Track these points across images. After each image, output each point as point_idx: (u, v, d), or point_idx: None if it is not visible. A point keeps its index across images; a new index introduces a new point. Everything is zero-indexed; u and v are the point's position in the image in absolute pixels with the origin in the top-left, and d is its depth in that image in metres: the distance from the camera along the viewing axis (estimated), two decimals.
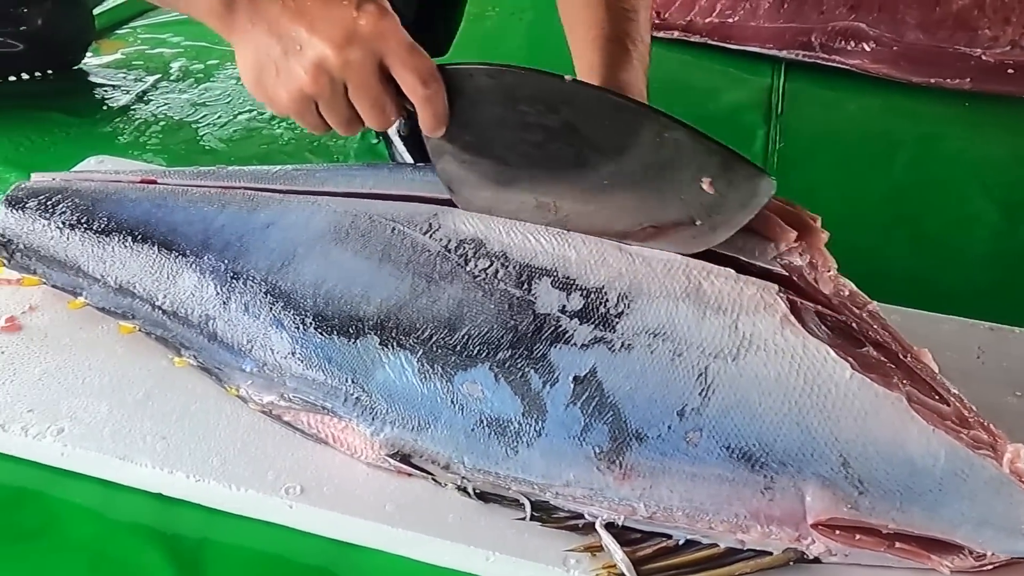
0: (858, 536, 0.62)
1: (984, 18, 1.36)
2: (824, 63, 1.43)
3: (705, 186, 0.68)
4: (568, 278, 0.68)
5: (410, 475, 0.69)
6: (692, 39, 1.50)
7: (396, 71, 0.68)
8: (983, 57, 1.35)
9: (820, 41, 1.42)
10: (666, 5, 1.52)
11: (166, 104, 1.28)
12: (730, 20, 1.47)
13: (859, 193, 1.16)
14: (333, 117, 0.71)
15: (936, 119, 1.33)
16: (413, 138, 1.09)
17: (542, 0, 1.69)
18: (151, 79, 1.35)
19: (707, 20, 1.49)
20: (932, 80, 1.38)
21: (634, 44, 0.93)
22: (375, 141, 1.22)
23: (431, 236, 0.71)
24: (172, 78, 1.36)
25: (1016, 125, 1.31)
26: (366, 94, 0.68)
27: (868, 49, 1.40)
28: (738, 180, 0.68)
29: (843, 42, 1.41)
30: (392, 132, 1.11)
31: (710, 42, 1.49)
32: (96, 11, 1.43)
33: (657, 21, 1.52)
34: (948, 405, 0.65)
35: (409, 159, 1.09)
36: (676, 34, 1.51)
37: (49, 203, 0.82)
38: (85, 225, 0.80)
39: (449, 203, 0.74)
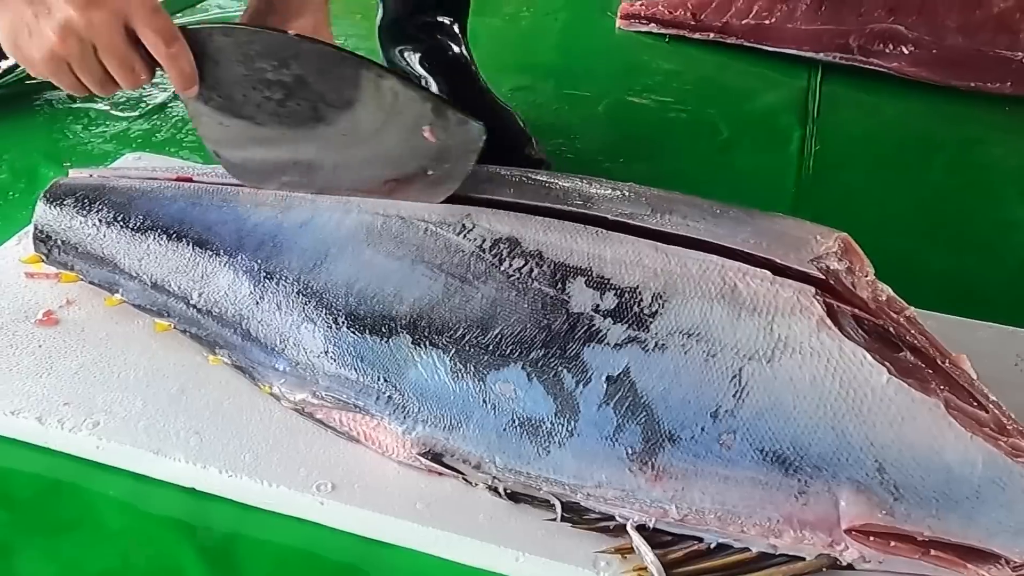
0: (893, 543, 0.61)
1: None
2: (862, 66, 1.41)
3: (427, 134, 0.73)
4: (603, 277, 0.67)
5: (441, 474, 0.69)
6: (728, 41, 1.49)
7: (140, 31, 0.72)
8: None
9: (858, 44, 1.40)
10: (702, 6, 1.51)
11: None
12: (767, 22, 1.46)
13: (897, 197, 1.15)
14: (87, 77, 0.75)
15: (976, 123, 1.31)
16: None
17: (576, 1, 1.70)
18: None
19: (743, 22, 1.47)
20: (972, 84, 1.36)
21: None
22: None
23: (465, 236, 0.71)
24: None
25: None
26: (113, 54, 0.73)
27: (907, 52, 1.38)
28: (451, 126, 0.73)
29: (881, 45, 1.39)
30: None
31: (746, 44, 1.48)
32: None
33: (693, 23, 1.51)
34: (986, 412, 0.64)
35: None
36: (712, 36, 1.50)
37: (87, 200, 0.84)
38: (122, 222, 0.82)
39: (484, 203, 0.74)
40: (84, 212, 0.83)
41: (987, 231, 1.10)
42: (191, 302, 0.78)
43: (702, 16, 1.51)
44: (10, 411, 0.74)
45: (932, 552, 0.61)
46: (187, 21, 1.53)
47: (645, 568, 0.63)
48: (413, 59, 1.17)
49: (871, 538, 0.61)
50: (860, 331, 0.65)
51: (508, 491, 0.67)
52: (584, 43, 1.60)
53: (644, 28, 1.56)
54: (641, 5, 1.56)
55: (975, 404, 0.64)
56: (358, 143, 0.76)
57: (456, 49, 1.16)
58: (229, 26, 0.75)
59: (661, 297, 0.66)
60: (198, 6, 1.61)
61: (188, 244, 0.79)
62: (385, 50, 1.23)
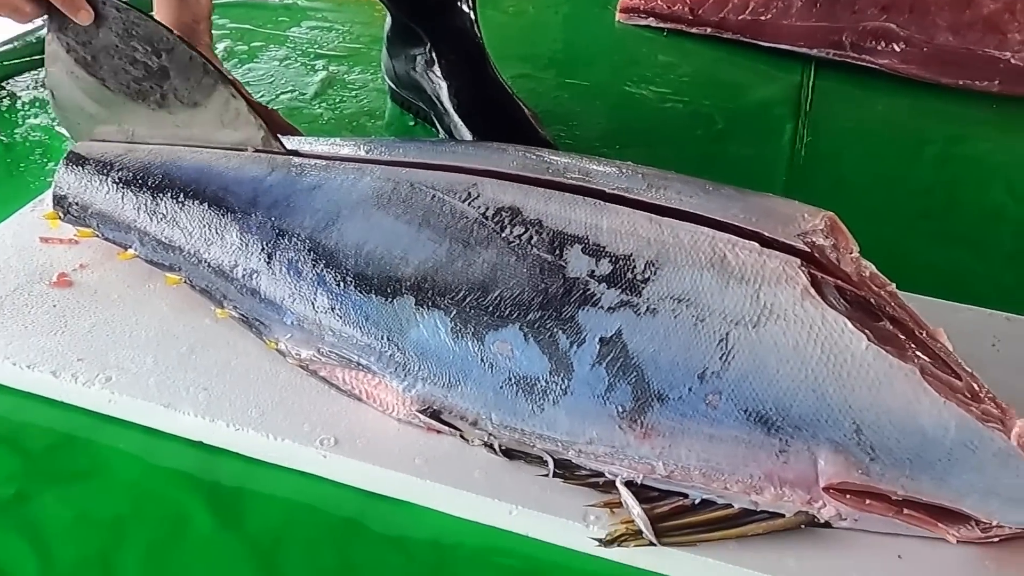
0: (868, 501, 0.64)
1: (1014, 22, 1.36)
2: (854, 62, 1.43)
3: (250, 151, 0.85)
4: (599, 245, 0.70)
5: (439, 431, 0.72)
6: (725, 35, 1.52)
7: None
8: (1012, 60, 1.35)
9: (851, 40, 1.43)
10: (700, 2, 1.54)
11: None
12: (763, 18, 1.49)
13: (885, 188, 1.17)
14: None
15: (964, 120, 1.34)
16: (467, 108, 1.14)
17: None
18: None
19: (740, 17, 1.50)
20: (961, 82, 1.38)
21: None
22: (412, 124, 1.26)
23: (470, 204, 0.74)
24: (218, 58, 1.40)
25: None
26: None
27: (898, 49, 1.41)
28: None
29: (873, 42, 1.42)
30: (446, 102, 1.14)
31: (742, 39, 1.51)
32: None
33: (690, 17, 1.54)
34: (960, 379, 0.66)
35: (463, 128, 1.13)
36: (709, 30, 1.53)
37: (106, 161, 0.87)
38: (140, 182, 0.85)
39: (489, 174, 0.77)
40: (103, 172, 0.86)
41: (973, 221, 1.12)
42: (203, 257, 0.81)
43: (699, 11, 1.53)
44: (26, 365, 0.77)
45: (905, 511, 0.64)
46: None
47: (632, 521, 0.66)
48: (427, 54, 1.19)
49: (847, 496, 0.64)
50: (842, 301, 0.68)
51: (503, 448, 0.70)
52: (584, 35, 1.62)
53: (643, 22, 1.59)
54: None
55: (950, 372, 0.67)
56: (189, 135, 0.87)
57: (471, 36, 1.18)
58: (124, 4, 0.83)
59: (653, 265, 0.69)
60: None
61: (203, 203, 0.81)
62: (395, 50, 1.25)
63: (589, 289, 0.68)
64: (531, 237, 0.71)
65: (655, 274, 0.68)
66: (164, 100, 0.85)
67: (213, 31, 1.46)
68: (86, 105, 0.89)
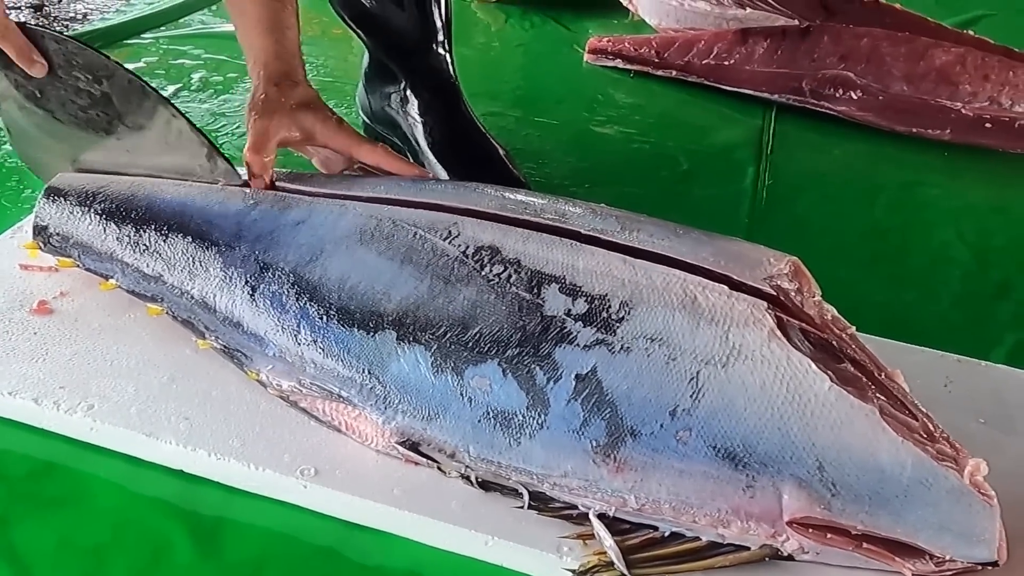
0: (829, 535, 0.66)
1: (965, 74, 1.42)
2: (813, 108, 1.48)
3: (200, 169, 0.88)
4: (575, 285, 0.72)
5: (417, 463, 0.74)
6: (689, 79, 1.57)
7: None
8: (963, 111, 1.41)
9: (810, 87, 1.48)
10: (666, 45, 1.59)
11: (187, 112, 1.32)
12: (726, 63, 1.53)
13: (842, 231, 1.22)
14: None
15: (916, 167, 1.39)
16: (440, 146, 1.16)
17: (544, 35, 1.76)
18: (172, 88, 1.40)
19: (704, 62, 1.55)
20: (914, 129, 1.43)
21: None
22: None
23: (450, 242, 0.76)
24: (192, 88, 1.42)
25: (991, 176, 1.37)
26: None
27: (855, 97, 1.46)
28: (217, 170, 0.88)
29: (832, 89, 1.47)
30: (421, 139, 1.17)
31: (706, 83, 1.56)
32: (119, 20, 1.51)
33: (656, 60, 1.59)
34: (917, 420, 0.69)
35: (437, 165, 1.15)
36: (674, 73, 1.57)
37: (88, 193, 0.88)
38: (122, 214, 0.86)
39: (469, 213, 0.79)
40: (85, 204, 0.88)
41: (924, 265, 1.16)
42: (186, 290, 0.82)
43: (665, 54, 1.58)
44: (7, 392, 0.78)
45: (864, 545, 0.66)
46: (170, 35, 1.58)
47: (604, 553, 0.68)
48: (402, 92, 1.21)
49: (810, 530, 0.66)
50: (806, 343, 0.70)
51: (479, 480, 0.72)
52: (552, 75, 1.66)
53: (610, 63, 1.63)
54: (608, 41, 1.64)
55: (907, 412, 0.70)
56: (141, 159, 0.89)
57: (446, 76, 1.20)
58: (62, 36, 0.86)
59: (628, 305, 0.71)
60: (180, 20, 1.65)
61: (187, 236, 0.83)
62: (371, 87, 1.27)
63: (566, 327, 0.71)
64: (510, 276, 0.74)
65: (629, 314, 0.71)
66: (111, 126, 0.88)
67: (189, 60, 1.48)
68: (41, 138, 0.91)
